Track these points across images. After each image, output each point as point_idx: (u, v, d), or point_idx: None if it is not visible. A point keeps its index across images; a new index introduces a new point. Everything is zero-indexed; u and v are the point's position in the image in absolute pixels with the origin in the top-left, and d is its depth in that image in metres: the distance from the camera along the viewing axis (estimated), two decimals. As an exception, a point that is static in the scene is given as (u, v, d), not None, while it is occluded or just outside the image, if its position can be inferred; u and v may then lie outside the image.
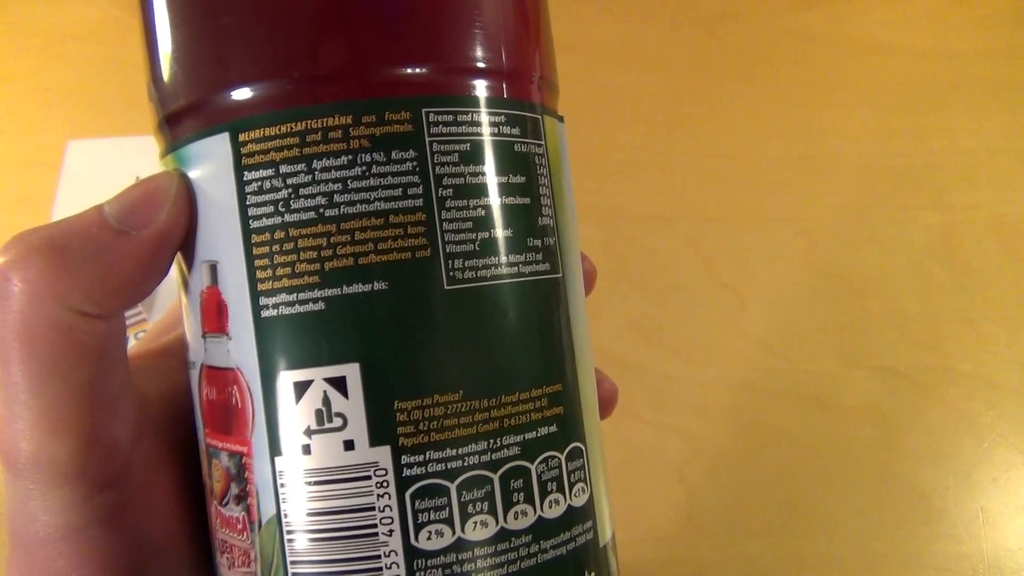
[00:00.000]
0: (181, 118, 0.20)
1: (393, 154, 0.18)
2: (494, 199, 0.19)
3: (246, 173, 0.19)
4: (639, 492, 0.47)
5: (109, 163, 0.59)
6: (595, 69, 0.60)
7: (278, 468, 0.19)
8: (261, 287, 0.19)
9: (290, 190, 0.19)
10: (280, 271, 0.19)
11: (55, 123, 0.60)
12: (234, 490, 0.19)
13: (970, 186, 0.55)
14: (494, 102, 0.20)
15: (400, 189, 0.18)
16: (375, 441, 0.18)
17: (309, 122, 0.19)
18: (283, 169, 0.19)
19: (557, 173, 0.21)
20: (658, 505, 0.46)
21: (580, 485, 0.20)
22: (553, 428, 0.20)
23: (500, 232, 0.19)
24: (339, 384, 0.18)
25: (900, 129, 0.56)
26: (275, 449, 0.19)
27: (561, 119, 0.23)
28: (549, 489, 0.19)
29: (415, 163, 0.19)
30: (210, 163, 0.19)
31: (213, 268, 0.19)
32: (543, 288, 0.20)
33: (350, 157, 0.18)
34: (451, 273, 0.19)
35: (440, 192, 0.19)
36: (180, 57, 0.20)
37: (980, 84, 0.57)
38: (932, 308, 0.51)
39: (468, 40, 0.20)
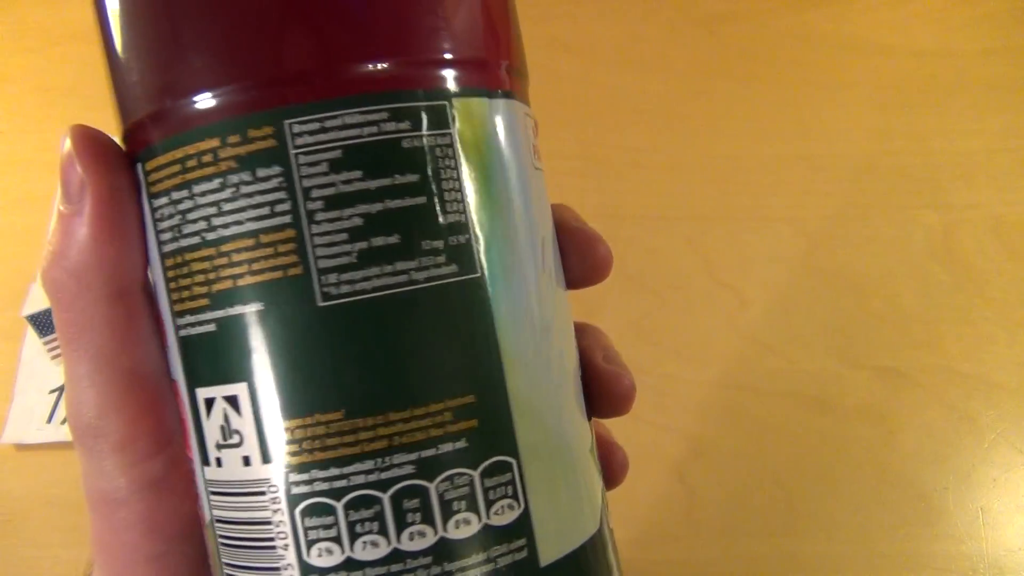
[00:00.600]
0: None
1: (258, 172, 0.18)
2: (373, 205, 0.18)
3: (152, 201, 0.20)
4: (639, 492, 0.47)
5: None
6: (595, 69, 0.60)
7: (206, 476, 0.20)
8: (175, 308, 0.20)
9: (180, 216, 0.19)
10: (184, 294, 0.19)
11: (55, 123, 0.60)
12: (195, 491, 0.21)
13: (970, 186, 0.55)
14: (370, 99, 0.18)
15: (267, 208, 0.18)
16: (266, 459, 0.18)
17: (186, 148, 0.19)
18: (173, 196, 0.19)
19: (479, 160, 0.20)
20: (658, 505, 0.46)
21: (505, 503, 0.19)
22: (461, 443, 0.18)
23: (382, 240, 0.18)
24: (234, 402, 0.19)
25: (900, 129, 0.56)
26: (203, 459, 0.20)
27: (503, 94, 0.21)
28: (455, 508, 0.18)
29: (281, 179, 0.18)
30: (140, 190, 0.20)
31: (154, 286, 0.21)
32: (446, 293, 0.19)
33: (221, 180, 0.18)
34: (325, 289, 0.18)
35: (308, 206, 0.18)
36: (113, 89, 0.21)
37: (980, 84, 0.57)
38: (932, 308, 0.51)
39: (330, 35, 0.18)
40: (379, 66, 0.19)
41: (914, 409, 0.48)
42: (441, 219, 0.19)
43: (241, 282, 0.18)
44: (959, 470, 0.47)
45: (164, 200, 0.19)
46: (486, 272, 0.19)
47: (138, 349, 0.20)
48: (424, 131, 0.19)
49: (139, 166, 0.20)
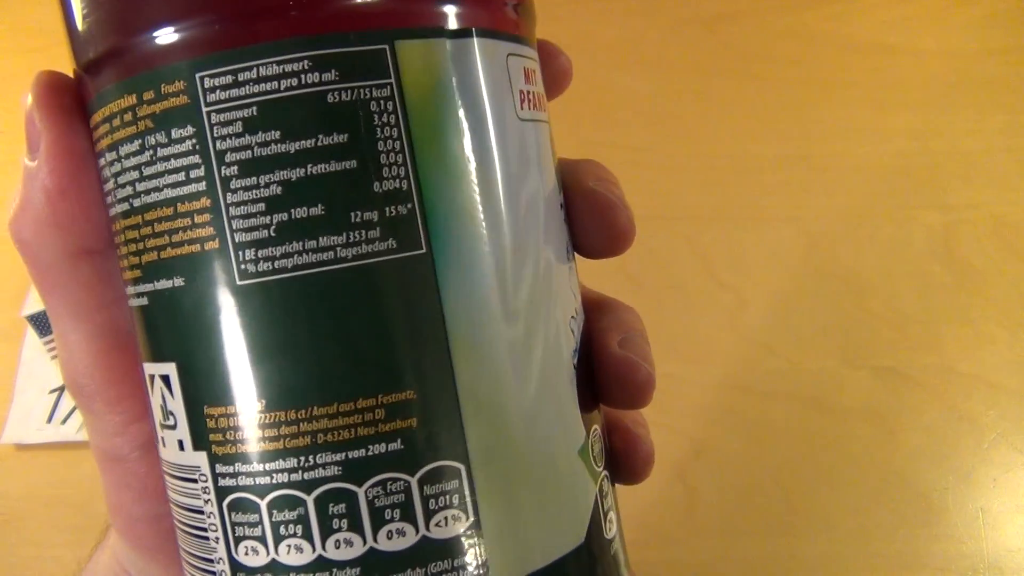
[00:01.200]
0: None
1: (172, 132, 0.16)
2: (293, 171, 0.16)
3: (98, 158, 0.18)
4: (639, 492, 0.47)
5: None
6: (595, 69, 0.60)
7: (159, 454, 0.19)
8: (123, 275, 0.18)
9: (113, 180, 0.17)
10: (124, 262, 0.18)
11: (55, 123, 0.60)
12: None
13: (970, 186, 0.54)
14: (289, 45, 0.16)
15: (183, 173, 0.16)
16: (195, 445, 0.17)
17: (110, 106, 0.17)
18: (107, 156, 0.17)
19: (430, 114, 0.17)
20: (658, 505, 0.46)
21: (449, 513, 0.17)
22: (395, 445, 0.16)
23: (304, 211, 0.16)
24: (167, 382, 0.17)
25: (900, 129, 0.56)
26: (155, 436, 0.19)
27: (474, 32, 0.17)
28: (388, 517, 0.16)
29: (194, 140, 0.16)
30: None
31: None
32: (380, 272, 0.16)
33: (140, 141, 0.16)
34: (242, 266, 0.16)
35: (223, 171, 0.16)
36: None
37: (980, 84, 0.57)
38: (932, 308, 0.51)
39: None
40: (296, 4, 0.16)
41: (914, 409, 0.48)
42: (376, 186, 0.16)
43: (164, 255, 0.17)
44: (959, 470, 0.47)
45: (103, 160, 0.18)
46: (433, 248, 0.16)
47: (115, 308, 0.19)
48: (355, 82, 0.16)
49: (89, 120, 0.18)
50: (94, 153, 0.18)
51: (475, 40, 0.17)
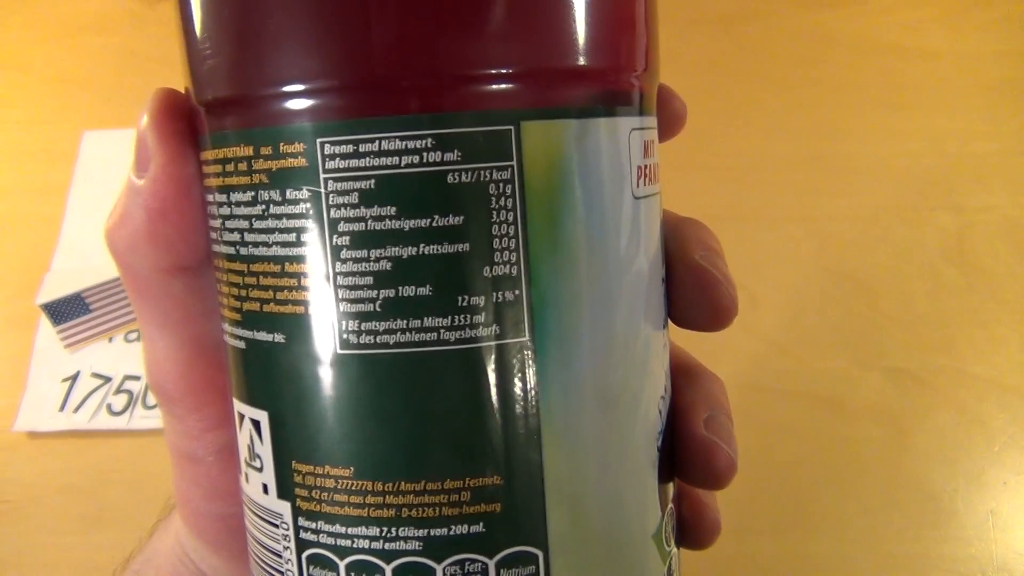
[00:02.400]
0: None
1: (288, 193, 0.16)
2: (405, 248, 0.16)
3: (205, 193, 0.18)
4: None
5: (124, 154, 0.59)
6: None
7: (240, 486, 0.19)
8: (220, 310, 0.18)
9: (221, 220, 0.17)
10: (224, 300, 0.18)
11: (71, 114, 0.61)
12: None
13: (983, 188, 0.54)
14: (413, 121, 0.15)
15: (294, 234, 0.16)
16: (280, 494, 0.17)
17: (225, 150, 0.17)
18: (217, 196, 0.18)
19: (549, 199, 0.16)
20: (667, 502, 0.47)
21: None
22: (479, 527, 0.16)
23: (411, 290, 0.16)
24: (257, 427, 0.17)
25: (914, 131, 0.56)
26: (238, 468, 0.19)
27: (599, 112, 0.17)
28: None
29: (309, 204, 0.16)
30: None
31: None
32: (480, 357, 0.16)
33: (253, 193, 0.16)
34: (344, 336, 0.16)
35: (335, 240, 0.16)
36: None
37: (995, 86, 0.57)
38: (944, 310, 0.51)
39: (368, 44, 0.15)
40: (425, 81, 0.16)
41: (925, 411, 0.48)
42: (486, 271, 0.16)
43: (267, 308, 0.17)
44: (969, 472, 0.47)
45: (211, 197, 0.18)
46: (537, 336, 0.16)
47: (203, 321, 0.19)
48: (477, 163, 0.16)
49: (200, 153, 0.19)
50: (201, 180, 0.18)
51: (600, 120, 0.17)
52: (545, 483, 0.17)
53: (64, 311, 0.54)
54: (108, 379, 0.52)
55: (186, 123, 0.18)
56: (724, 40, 0.60)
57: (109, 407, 0.51)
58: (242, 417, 0.18)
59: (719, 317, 0.20)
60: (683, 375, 0.22)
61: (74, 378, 0.52)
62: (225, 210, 0.17)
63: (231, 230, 0.17)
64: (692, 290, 0.20)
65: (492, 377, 0.16)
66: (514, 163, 0.16)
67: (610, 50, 0.17)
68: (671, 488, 0.20)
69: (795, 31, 0.60)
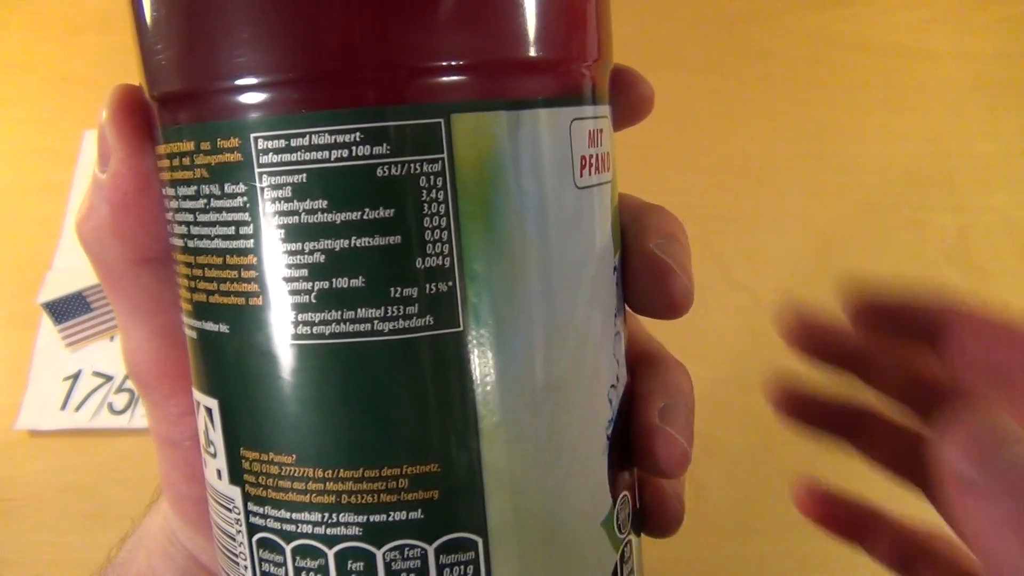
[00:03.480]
0: None
1: (226, 187, 0.16)
2: (337, 241, 0.16)
3: (162, 187, 0.19)
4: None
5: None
6: (611, 66, 0.60)
7: (203, 471, 0.19)
8: (179, 301, 0.19)
9: (172, 212, 0.18)
10: (181, 290, 0.18)
11: (73, 113, 0.61)
12: None
13: (985, 189, 0.54)
14: (341, 116, 0.15)
15: (233, 227, 0.16)
16: (231, 479, 0.18)
17: (170, 145, 0.17)
18: (168, 191, 0.18)
19: (482, 191, 0.16)
20: (668, 502, 0.47)
21: None
22: (417, 514, 0.16)
23: (344, 281, 0.16)
24: (210, 415, 0.18)
25: (916, 131, 0.56)
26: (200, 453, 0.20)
27: (538, 103, 0.17)
28: None
29: (246, 198, 0.16)
30: None
31: None
32: (414, 347, 0.16)
33: (195, 188, 0.17)
34: (283, 327, 0.16)
35: (270, 233, 0.16)
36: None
37: (997, 87, 0.57)
38: (945, 310, 0.51)
39: (295, 38, 0.16)
40: (354, 76, 0.16)
41: (926, 411, 0.48)
42: (418, 262, 0.16)
43: (212, 300, 0.17)
44: (970, 473, 0.47)
45: (165, 191, 0.18)
46: (471, 326, 0.16)
47: (174, 311, 0.20)
48: (406, 156, 0.16)
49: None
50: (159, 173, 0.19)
51: (535, 112, 0.17)
52: (483, 471, 0.17)
53: (65, 310, 0.54)
54: (110, 378, 0.52)
55: (144, 118, 0.19)
56: (726, 40, 0.60)
57: (110, 406, 0.51)
58: (198, 404, 0.18)
59: (673, 307, 0.20)
60: (645, 364, 0.22)
61: (75, 377, 0.52)
62: (174, 203, 0.18)
63: (180, 223, 0.18)
64: (646, 279, 0.20)
65: (427, 367, 0.16)
66: (444, 156, 0.16)
67: (550, 41, 0.17)
68: (626, 476, 0.20)
69: (797, 31, 0.60)
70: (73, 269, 0.55)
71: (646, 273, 0.20)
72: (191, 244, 0.17)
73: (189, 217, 0.17)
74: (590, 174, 0.18)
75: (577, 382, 0.18)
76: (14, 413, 0.52)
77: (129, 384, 0.52)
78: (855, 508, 0.26)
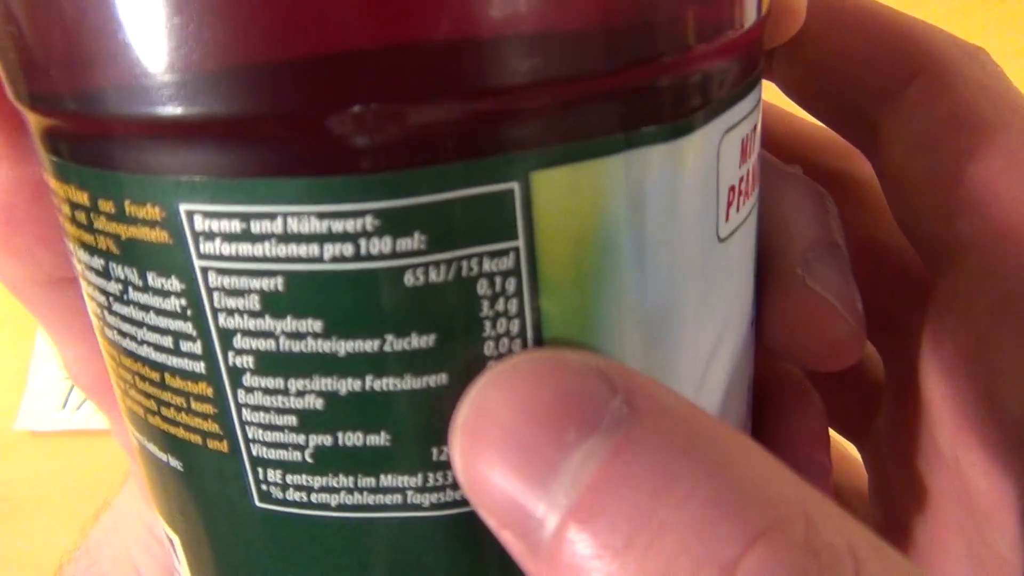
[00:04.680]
0: None
1: (149, 277, 0.10)
2: (343, 381, 0.10)
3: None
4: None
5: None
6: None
7: None
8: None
9: (79, 268, 0.12)
10: (109, 369, 0.13)
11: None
12: None
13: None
14: (342, 187, 0.09)
15: (170, 338, 0.11)
16: None
17: (63, 185, 0.11)
18: (67, 242, 0.12)
19: (578, 294, 0.10)
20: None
21: None
22: None
23: (359, 437, 0.10)
24: (173, 544, 0.13)
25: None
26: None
27: (677, 130, 0.10)
28: None
29: (183, 301, 0.10)
30: None
31: None
32: (473, 528, 0.10)
33: (103, 262, 0.11)
34: (263, 487, 0.11)
35: (232, 360, 0.10)
36: None
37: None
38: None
39: (270, 44, 0.09)
40: (361, 116, 0.09)
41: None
42: None
43: (152, 421, 0.12)
44: (971, 473, 0.47)
45: (65, 238, 0.12)
46: None
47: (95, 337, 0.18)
48: (454, 251, 0.09)
49: None
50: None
51: (677, 142, 0.10)
52: None
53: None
54: (109, 378, 0.52)
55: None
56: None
57: (110, 406, 0.51)
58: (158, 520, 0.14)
59: (834, 356, 0.14)
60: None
61: (75, 377, 0.53)
62: (79, 266, 0.12)
63: (90, 296, 0.12)
64: (796, 323, 0.14)
65: (488, 556, 0.11)
66: (519, 243, 0.09)
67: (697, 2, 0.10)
68: None
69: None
70: (73, 269, 0.56)
71: (792, 312, 0.14)
72: (109, 334, 0.12)
73: (102, 300, 0.11)
74: (736, 210, 0.12)
75: None
76: (14, 413, 0.52)
77: (129, 384, 0.52)
78: None
